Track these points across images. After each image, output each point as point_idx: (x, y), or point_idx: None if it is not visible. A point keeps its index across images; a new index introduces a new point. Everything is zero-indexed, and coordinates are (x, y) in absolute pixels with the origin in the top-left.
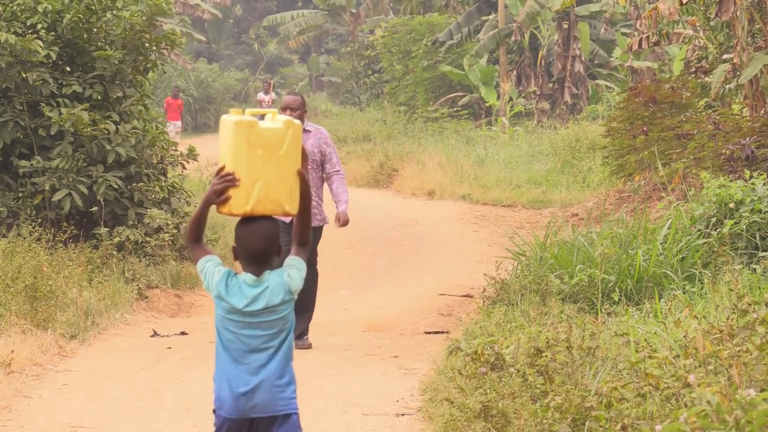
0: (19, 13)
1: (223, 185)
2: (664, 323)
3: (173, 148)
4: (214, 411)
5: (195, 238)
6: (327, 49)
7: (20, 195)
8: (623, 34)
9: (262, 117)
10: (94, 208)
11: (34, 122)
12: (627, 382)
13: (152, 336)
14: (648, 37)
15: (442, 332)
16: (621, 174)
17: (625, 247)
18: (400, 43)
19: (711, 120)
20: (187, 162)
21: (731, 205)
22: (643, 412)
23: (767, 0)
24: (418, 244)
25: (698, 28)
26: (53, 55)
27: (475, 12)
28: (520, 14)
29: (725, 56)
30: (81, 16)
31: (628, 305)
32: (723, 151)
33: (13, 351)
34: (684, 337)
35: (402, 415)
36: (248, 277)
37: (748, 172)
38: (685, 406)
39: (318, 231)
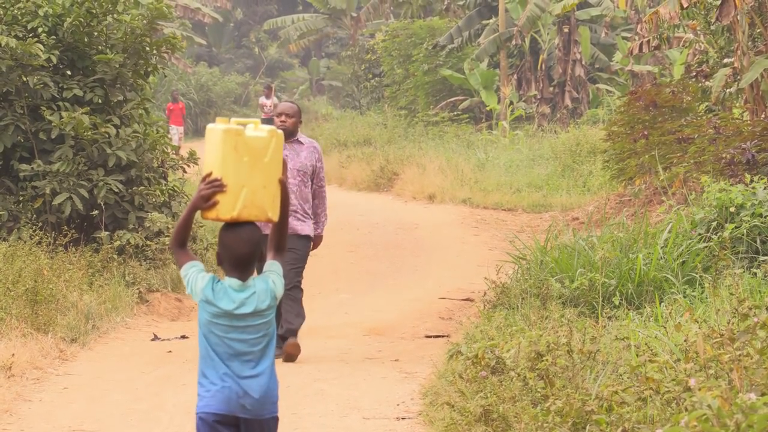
0: (19, 17)
1: (211, 191)
2: (665, 327)
3: (174, 151)
4: (199, 416)
5: (180, 243)
6: (327, 53)
7: (21, 198)
8: (624, 38)
9: (244, 126)
10: (95, 212)
11: (34, 126)
12: (628, 386)
13: (153, 339)
14: (649, 41)
15: (443, 336)
16: (621, 178)
17: (625, 251)
18: (401, 46)
19: (711, 124)
20: (188, 166)
21: (732, 209)
22: (644, 416)
23: None
24: (418, 248)
25: (699, 32)
26: (54, 59)
27: (476, 16)
28: (520, 18)
29: (726, 60)
30: (82, 19)
31: (629, 309)
32: (723, 155)
33: (13, 354)
34: (685, 341)
35: (402, 418)
36: (233, 282)
37: (748, 176)
38: (686, 410)
39: (308, 242)
